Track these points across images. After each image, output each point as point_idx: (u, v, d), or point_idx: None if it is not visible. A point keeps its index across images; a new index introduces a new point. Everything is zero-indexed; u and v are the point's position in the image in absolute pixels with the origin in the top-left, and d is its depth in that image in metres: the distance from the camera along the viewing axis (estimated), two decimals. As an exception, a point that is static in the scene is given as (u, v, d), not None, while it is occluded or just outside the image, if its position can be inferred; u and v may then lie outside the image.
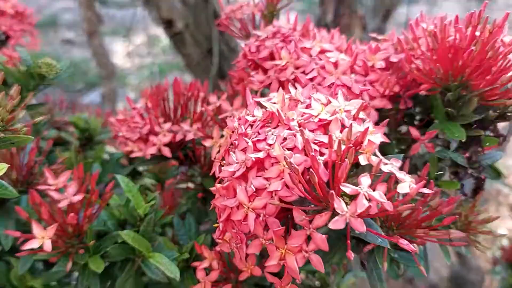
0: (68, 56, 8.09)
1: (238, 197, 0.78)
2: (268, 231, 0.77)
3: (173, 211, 1.67)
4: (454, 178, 1.07)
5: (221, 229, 0.83)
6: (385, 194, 0.73)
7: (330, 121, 0.82)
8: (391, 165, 0.77)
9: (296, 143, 0.78)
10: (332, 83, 0.98)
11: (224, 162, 0.93)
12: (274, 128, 0.85)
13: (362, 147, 0.79)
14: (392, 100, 1.04)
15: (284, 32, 1.11)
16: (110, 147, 1.67)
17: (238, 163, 0.82)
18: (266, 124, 0.86)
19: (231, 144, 0.90)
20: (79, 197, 0.98)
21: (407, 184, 0.73)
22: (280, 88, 0.89)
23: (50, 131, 1.46)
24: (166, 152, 1.17)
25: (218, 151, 1.05)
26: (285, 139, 0.80)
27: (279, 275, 0.84)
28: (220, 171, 0.91)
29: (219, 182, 0.89)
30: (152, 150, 1.17)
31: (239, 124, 0.90)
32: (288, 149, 0.79)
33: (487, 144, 1.03)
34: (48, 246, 0.92)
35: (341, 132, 0.81)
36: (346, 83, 0.98)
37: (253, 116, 0.89)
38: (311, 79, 1.00)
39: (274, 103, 0.89)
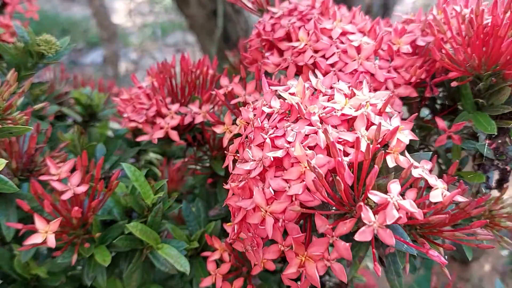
0: (67, 13, 7.89)
1: (255, 200, 0.72)
2: (287, 237, 0.73)
3: (179, 186, 1.63)
4: (478, 170, 1.01)
5: (235, 231, 0.78)
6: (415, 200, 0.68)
7: (355, 116, 0.76)
8: (422, 169, 0.71)
9: (318, 142, 0.72)
10: (355, 70, 0.91)
11: (238, 155, 0.87)
12: (294, 122, 0.79)
13: (390, 147, 0.73)
14: (416, 86, 0.97)
15: (301, 10, 1.02)
16: (113, 122, 1.60)
17: (254, 160, 0.76)
18: (285, 118, 0.80)
19: (246, 137, 0.83)
20: (83, 189, 0.92)
21: (439, 192, 0.67)
22: (300, 78, 0.82)
23: (50, 107, 1.38)
24: (174, 136, 1.11)
25: (231, 140, 0.99)
26: (306, 136, 0.74)
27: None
28: (234, 166, 0.86)
29: (233, 179, 0.84)
30: (159, 134, 1.11)
31: (255, 116, 0.83)
32: (310, 148, 0.73)
33: (516, 135, 0.97)
34: (51, 241, 0.87)
35: (367, 129, 0.75)
36: (370, 70, 0.91)
37: (270, 107, 0.82)
38: (332, 65, 0.92)
39: (293, 94, 0.82)
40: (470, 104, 0.93)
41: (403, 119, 0.80)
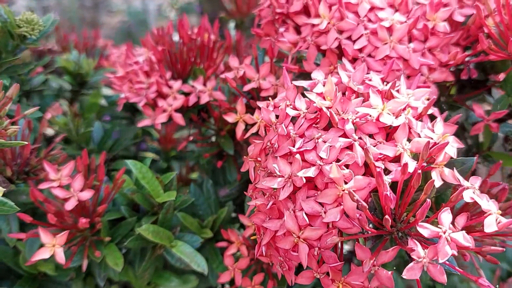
0: None
1: (287, 225, 0.65)
2: (321, 263, 0.67)
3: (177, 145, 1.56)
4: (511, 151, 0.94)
5: (264, 253, 0.71)
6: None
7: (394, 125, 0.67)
8: (473, 189, 0.63)
9: (356, 159, 0.64)
10: (387, 56, 0.80)
11: (258, 160, 0.78)
12: (324, 129, 0.70)
13: (436, 162, 0.66)
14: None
15: (321, -22, 0.88)
16: (105, 88, 1.48)
17: (282, 177, 0.67)
18: (314, 124, 0.70)
19: (269, 142, 0.74)
20: (88, 195, 0.84)
21: (493, 218, 0.61)
22: (329, 77, 0.71)
23: (38, 77, 1.25)
24: (179, 119, 1.01)
25: (245, 130, 0.90)
26: (341, 149, 0.65)
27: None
28: (255, 175, 0.78)
29: (256, 191, 0.76)
30: (162, 119, 1.00)
31: (278, 120, 0.73)
32: (346, 166, 0.65)
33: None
34: (60, 256, 0.81)
35: (408, 139, 0.66)
36: (403, 55, 0.80)
37: (295, 108, 0.73)
38: (360, 50, 0.81)
39: (321, 94, 0.72)
40: (510, 87, 0.84)
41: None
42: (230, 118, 0.94)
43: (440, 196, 0.73)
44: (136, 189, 0.95)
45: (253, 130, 0.82)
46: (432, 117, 0.74)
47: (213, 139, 1.19)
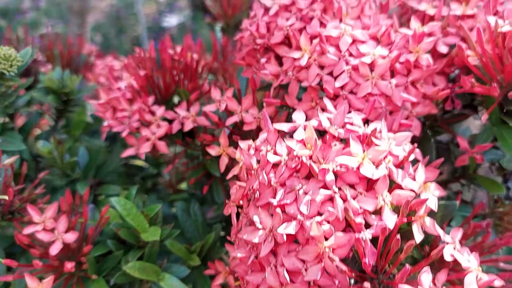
0: None
1: (268, 282, 0.65)
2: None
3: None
4: (498, 178, 0.94)
5: (246, 301, 0.72)
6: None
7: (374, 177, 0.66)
8: (454, 244, 0.63)
9: (336, 213, 0.63)
10: (369, 93, 0.78)
11: (241, 204, 0.78)
12: (305, 178, 0.69)
13: (416, 215, 0.65)
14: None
15: (301, 8, 0.86)
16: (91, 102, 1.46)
17: (263, 229, 0.67)
18: (294, 174, 0.70)
19: (251, 188, 0.73)
20: (72, 237, 0.84)
21: (474, 276, 0.61)
22: (309, 123, 0.70)
23: (22, 98, 1.23)
24: (163, 148, 1.00)
25: (228, 165, 0.89)
26: (321, 202, 0.65)
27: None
28: (237, 222, 0.77)
29: (238, 238, 0.75)
30: (146, 148, 0.99)
31: (260, 166, 0.72)
32: (327, 221, 0.64)
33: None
34: (46, 301, 0.81)
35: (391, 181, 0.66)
36: (386, 92, 0.78)
37: (276, 153, 0.72)
38: (342, 87, 0.79)
39: (302, 141, 0.71)
40: (495, 119, 0.83)
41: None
42: (213, 151, 0.93)
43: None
44: (121, 223, 0.94)
45: (235, 171, 0.81)
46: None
47: (200, 158, 1.18)
